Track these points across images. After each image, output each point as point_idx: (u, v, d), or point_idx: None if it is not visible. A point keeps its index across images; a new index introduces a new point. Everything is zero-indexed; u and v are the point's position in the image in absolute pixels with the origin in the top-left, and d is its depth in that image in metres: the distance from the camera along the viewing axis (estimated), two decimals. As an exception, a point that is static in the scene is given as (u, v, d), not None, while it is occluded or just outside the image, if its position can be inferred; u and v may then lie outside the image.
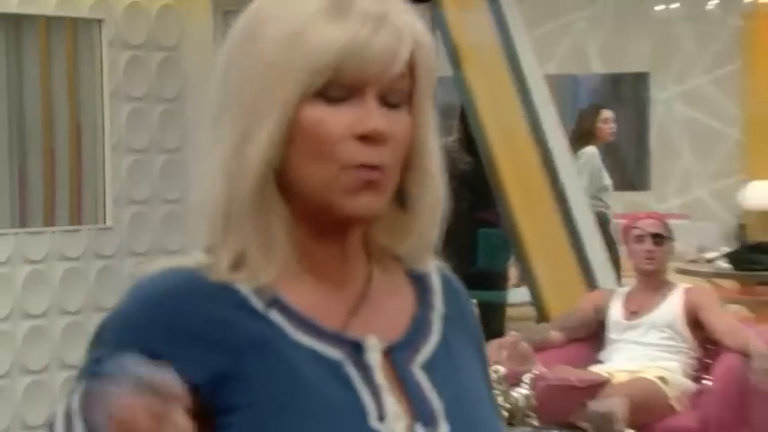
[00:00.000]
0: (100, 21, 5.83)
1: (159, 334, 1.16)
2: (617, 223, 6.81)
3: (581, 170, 7.28)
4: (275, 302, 1.18)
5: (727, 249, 7.80)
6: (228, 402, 1.15)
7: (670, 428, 4.65)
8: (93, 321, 5.13)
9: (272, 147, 1.17)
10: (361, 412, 1.17)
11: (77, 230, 5.79)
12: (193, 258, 1.22)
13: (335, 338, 1.19)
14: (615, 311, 4.97)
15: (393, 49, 1.17)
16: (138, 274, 1.23)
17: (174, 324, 1.17)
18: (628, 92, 10.47)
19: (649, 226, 4.94)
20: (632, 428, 4.24)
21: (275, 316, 1.18)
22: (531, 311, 6.14)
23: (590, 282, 6.06)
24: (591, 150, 7.53)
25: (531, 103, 6.00)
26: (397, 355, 1.22)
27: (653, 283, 4.93)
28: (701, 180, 10.21)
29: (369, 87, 1.18)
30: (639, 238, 4.92)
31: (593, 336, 5.03)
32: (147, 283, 1.21)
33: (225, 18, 6.41)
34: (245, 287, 1.18)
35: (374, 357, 1.20)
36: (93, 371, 1.15)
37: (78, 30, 5.87)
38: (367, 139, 1.17)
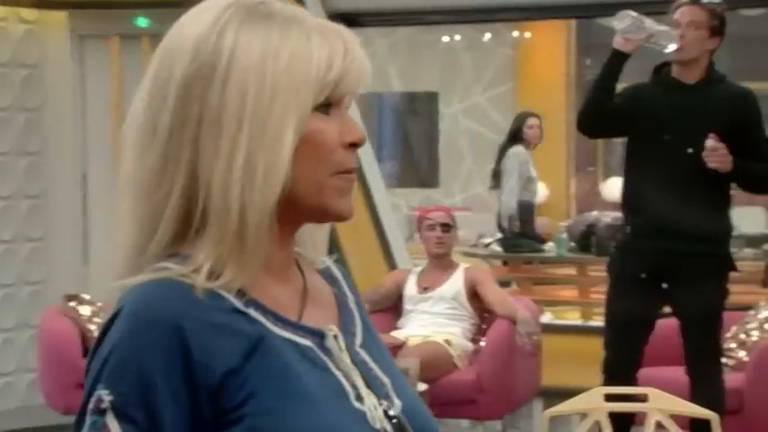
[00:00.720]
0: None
1: (169, 352, 1.02)
2: (412, 215, 6.88)
3: (511, 166, 7.51)
4: (250, 302, 1.08)
5: (500, 236, 7.91)
6: (236, 400, 1.03)
7: (453, 382, 4.69)
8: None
9: (291, 158, 1.07)
10: (343, 394, 1.09)
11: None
12: (167, 270, 1.06)
13: (302, 329, 1.10)
14: (410, 287, 5.02)
15: (366, 63, 1.12)
16: (121, 293, 1.07)
17: (183, 338, 1.03)
18: (422, 107, 10.57)
19: (439, 217, 5.00)
20: (424, 382, 4.28)
21: (254, 313, 1.08)
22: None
23: (390, 263, 6.12)
24: (518, 149, 7.65)
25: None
26: (343, 339, 1.13)
27: (441, 263, 4.99)
28: (480, 179, 10.30)
29: (345, 99, 1.11)
30: (431, 227, 4.98)
31: (392, 307, 5.07)
32: (141, 303, 1.05)
33: (81, 41, 6.27)
34: (225, 291, 1.06)
35: (335, 343, 1.11)
36: (120, 406, 1.02)
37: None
38: (353, 146, 1.11)
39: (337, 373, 1.10)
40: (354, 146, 1.11)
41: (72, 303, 5.21)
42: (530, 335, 4.59)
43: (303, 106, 1.07)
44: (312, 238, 1.18)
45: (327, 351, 1.11)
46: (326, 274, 1.21)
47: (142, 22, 6.14)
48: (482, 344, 4.85)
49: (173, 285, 1.05)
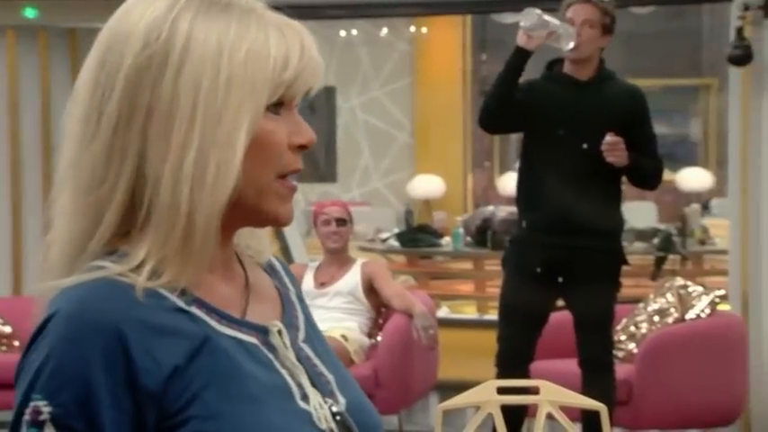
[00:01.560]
0: None
1: (110, 357, 0.98)
2: (310, 210, 6.87)
3: None
4: (192, 300, 1.04)
5: (397, 231, 7.94)
6: (179, 402, 0.99)
7: None
8: None
9: (242, 157, 1.03)
10: (289, 394, 1.05)
11: None
12: (104, 269, 1.01)
13: (246, 326, 1.07)
14: (307, 282, 4.99)
15: (321, 64, 1.09)
16: (52, 298, 1.01)
17: (124, 341, 0.98)
18: (320, 102, 10.56)
19: (334, 212, 4.98)
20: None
21: (198, 312, 1.04)
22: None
23: (287, 258, 6.10)
24: None
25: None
26: (288, 334, 1.10)
27: (337, 258, 4.98)
28: (378, 174, 10.36)
29: (296, 99, 1.07)
30: (326, 222, 4.96)
31: (289, 303, 5.08)
32: (77, 306, 0.99)
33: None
34: (166, 291, 1.02)
35: (279, 339, 1.08)
36: (59, 418, 0.97)
37: None
38: (302, 148, 1.07)
39: (282, 371, 1.06)
40: (303, 148, 1.08)
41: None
42: (425, 329, 4.62)
43: (257, 104, 1.03)
44: (253, 231, 1.15)
45: (272, 348, 1.07)
46: (268, 267, 1.18)
47: (31, 12, 5.99)
48: (379, 338, 4.86)
49: (111, 286, 1.00)
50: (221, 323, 1.05)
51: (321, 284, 4.94)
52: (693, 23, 11.03)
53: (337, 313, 4.86)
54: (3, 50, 6.11)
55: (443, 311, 6.79)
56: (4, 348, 5.08)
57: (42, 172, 6.04)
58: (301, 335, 1.13)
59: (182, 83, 1.02)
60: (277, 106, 1.06)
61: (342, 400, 1.09)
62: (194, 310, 1.03)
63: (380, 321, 4.94)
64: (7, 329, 5.13)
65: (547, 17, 3.97)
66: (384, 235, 7.94)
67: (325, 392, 1.09)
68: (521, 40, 3.99)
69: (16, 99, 6.00)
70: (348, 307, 4.91)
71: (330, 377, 1.11)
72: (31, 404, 0.98)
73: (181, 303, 1.03)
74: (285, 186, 1.07)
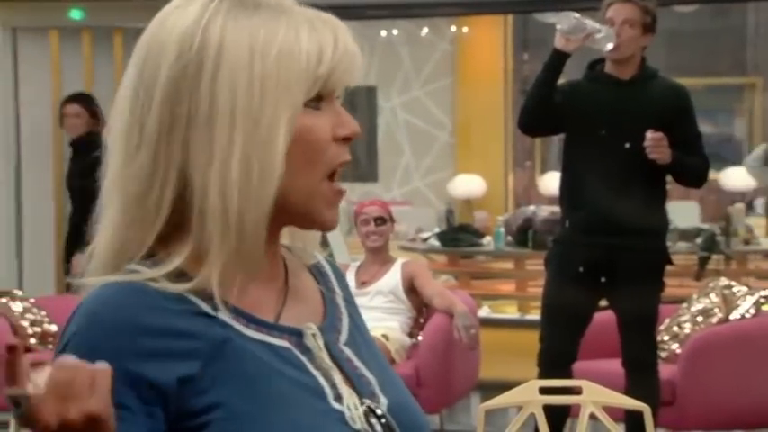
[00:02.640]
0: None
1: (118, 355, 0.98)
2: (351, 209, 6.87)
3: None
4: (223, 304, 1.04)
5: (438, 230, 7.93)
6: (197, 405, 1.01)
7: None
8: None
9: (284, 157, 1.02)
10: (321, 394, 1.05)
11: None
12: (136, 273, 1.04)
13: (278, 329, 1.07)
14: (349, 281, 5.01)
15: (358, 55, 1.08)
16: (85, 294, 1.04)
17: (138, 343, 1.00)
18: (361, 102, 10.57)
19: (373, 211, 5.00)
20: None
21: (225, 316, 1.04)
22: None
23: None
24: None
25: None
26: (326, 337, 1.10)
27: (378, 257, 4.99)
28: (418, 174, 10.33)
29: (336, 92, 1.07)
30: (366, 221, 4.98)
31: (330, 302, 5.08)
32: (98, 303, 1.02)
33: (13, 34, 6.15)
34: (194, 295, 1.03)
35: (314, 342, 1.08)
36: None
37: None
38: (346, 140, 1.07)
39: (316, 372, 1.06)
40: (347, 139, 1.07)
41: (3, 299, 5.13)
42: (467, 328, 4.61)
43: (294, 102, 1.03)
44: (302, 233, 1.15)
45: (306, 350, 1.07)
46: (316, 270, 1.18)
47: (77, 14, 6.05)
48: (420, 338, 4.86)
49: (137, 289, 1.02)
50: (249, 327, 1.05)
51: (362, 284, 4.96)
52: (738, 22, 10.91)
53: (378, 313, 4.87)
54: (48, 50, 6.17)
55: (484, 311, 6.78)
56: (50, 347, 5.13)
57: (87, 172, 6.11)
58: (343, 337, 1.13)
59: (218, 89, 1.02)
60: (317, 101, 1.05)
61: (384, 400, 1.09)
62: (221, 314, 1.04)
63: (421, 321, 4.94)
64: (53, 328, 5.19)
65: (584, 19, 3.95)
66: (425, 234, 7.91)
67: (366, 393, 1.08)
68: (558, 42, 3.97)
69: (60, 99, 6.07)
70: (389, 306, 4.92)
71: (372, 378, 1.10)
72: None
73: (207, 308, 1.03)
74: (333, 190, 1.07)
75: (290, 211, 1.05)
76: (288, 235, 1.13)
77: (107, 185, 1.07)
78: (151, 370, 1.00)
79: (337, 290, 1.18)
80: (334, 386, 1.06)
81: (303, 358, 1.06)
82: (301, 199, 1.05)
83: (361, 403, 1.07)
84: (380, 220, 4.97)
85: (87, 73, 6.14)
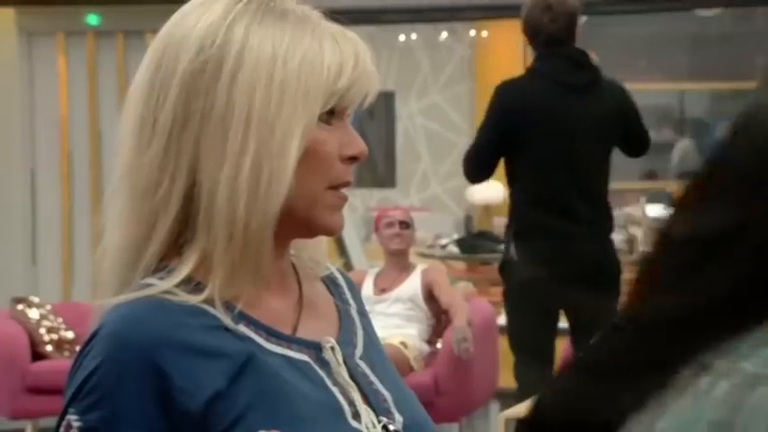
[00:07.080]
0: None
1: (146, 379, 0.98)
2: (369, 215, 6.87)
3: None
4: (241, 317, 1.03)
5: (457, 236, 7.91)
6: (223, 423, 0.99)
7: (409, 384, 4.51)
8: None
9: (295, 166, 1.02)
10: (340, 412, 1.04)
11: None
12: (151, 287, 1.02)
13: (297, 342, 1.06)
14: (367, 288, 4.99)
15: (376, 77, 1.09)
16: (102, 314, 1.02)
17: (163, 363, 0.99)
18: (379, 107, 10.56)
19: (398, 215, 5.04)
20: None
21: (245, 329, 1.03)
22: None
23: (346, 265, 6.11)
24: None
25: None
26: (342, 350, 1.09)
27: (398, 264, 4.98)
28: (437, 180, 10.33)
29: (349, 109, 1.07)
30: (390, 224, 4.97)
31: (349, 309, 5.07)
32: (120, 325, 1.00)
33: (29, 38, 6.19)
34: (211, 307, 1.02)
35: (332, 355, 1.07)
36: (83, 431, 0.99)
37: None
38: (353, 159, 1.07)
39: (334, 388, 1.05)
40: (354, 159, 1.07)
41: (20, 306, 5.14)
42: (458, 341, 4.59)
43: (310, 113, 1.03)
44: (311, 243, 1.14)
45: (324, 364, 1.06)
46: (329, 281, 1.17)
47: (93, 19, 6.08)
48: (439, 345, 4.84)
49: (155, 305, 1.01)
50: (270, 340, 1.04)
51: (381, 290, 4.95)
52: (761, 25, 10.86)
53: (397, 320, 4.86)
54: (58, 54, 6.20)
55: (503, 318, 6.74)
56: (66, 354, 5.14)
57: (93, 174, 6.12)
58: (358, 351, 1.12)
59: (236, 89, 1.02)
60: (329, 116, 1.05)
61: (399, 418, 1.08)
62: (241, 327, 1.03)
63: (440, 328, 4.92)
64: (69, 335, 5.20)
65: None
66: (443, 241, 7.91)
67: (381, 410, 1.07)
68: None
69: (69, 101, 6.09)
70: (408, 313, 4.90)
71: (387, 395, 1.09)
72: (67, 417, 1.01)
73: (227, 321, 1.02)
74: (336, 197, 1.07)
75: (294, 219, 1.05)
76: (297, 248, 1.12)
77: (116, 177, 1.06)
78: (179, 393, 0.98)
79: (351, 302, 1.17)
80: (352, 403, 1.05)
81: (321, 373, 1.06)
82: (305, 206, 1.05)
83: (378, 421, 1.06)
84: (404, 224, 4.98)
85: (91, 79, 6.18)
